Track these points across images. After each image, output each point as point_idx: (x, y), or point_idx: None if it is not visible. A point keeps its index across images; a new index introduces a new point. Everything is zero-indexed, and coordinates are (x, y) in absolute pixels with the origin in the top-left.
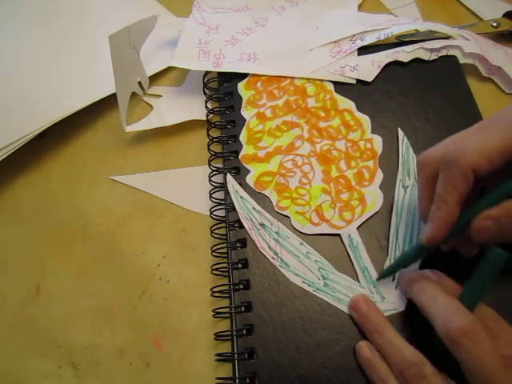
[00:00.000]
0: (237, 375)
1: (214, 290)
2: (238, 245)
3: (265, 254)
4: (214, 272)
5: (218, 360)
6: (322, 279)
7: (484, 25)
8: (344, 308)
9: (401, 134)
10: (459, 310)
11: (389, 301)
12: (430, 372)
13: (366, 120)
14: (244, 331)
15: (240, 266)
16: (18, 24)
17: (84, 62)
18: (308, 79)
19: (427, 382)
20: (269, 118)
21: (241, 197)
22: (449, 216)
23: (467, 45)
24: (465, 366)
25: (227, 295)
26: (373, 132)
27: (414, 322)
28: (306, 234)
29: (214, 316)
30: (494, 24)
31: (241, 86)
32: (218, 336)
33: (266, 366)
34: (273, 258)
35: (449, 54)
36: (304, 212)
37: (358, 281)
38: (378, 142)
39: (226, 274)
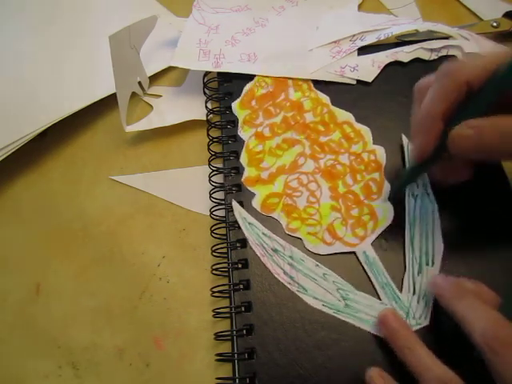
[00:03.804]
0: (237, 375)
1: (214, 289)
2: (237, 245)
3: (281, 280)
4: (214, 272)
5: (217, 360)
6: (342, 300)
7: (484, 25)
8: (368, 328)
9: (405, 140)
10: (498, 319)
11: (412, 315)
12: None
13: (366, 131)
14: (244, 331)
15: (240, 266)
16: (18, 24)
17: (84, 62)
18: (303, 94)
19: None
20: (268, 137)
21: (249, 223)
22: (436, 128)
23: (467, 45)
24: (500, 375)
25: (227, 295)
26: (374, 137)
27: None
28: (321, 255)
29: (214, 316)
30: (494, 24)
31: (235, 106)
32: (218, 336)
33: (266, 366)
34: (289, 283)
35: (449, 53)
36: (316, 232)
37: (379, 298)
38: (381, 153)
39: (226, 274)
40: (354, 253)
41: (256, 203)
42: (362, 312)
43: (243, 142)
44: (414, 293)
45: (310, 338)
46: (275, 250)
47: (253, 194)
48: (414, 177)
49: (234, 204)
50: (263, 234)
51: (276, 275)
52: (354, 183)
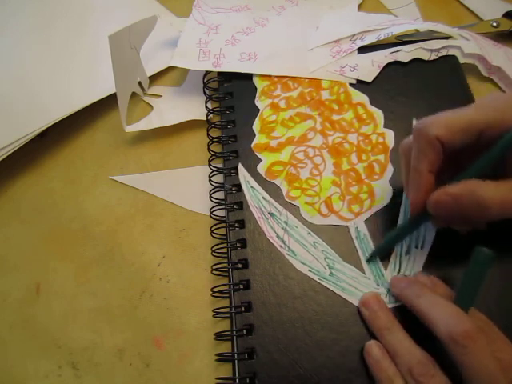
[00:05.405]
0: (237, 375)
1: (214, 290)
2: (238, 245)
3: (273, 242)
4: (214, 272)
5: (217, 360)
6: (328, 268)
7: (484, 25)
8: (348, 297)
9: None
10: (460, 314)
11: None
12: (439, 372)
13: (379, 114)
14: (244, 331)
15: (240, 266)
16: (18, 25)
17: (84, 62)
18: None
19: (435, 381)
20: (282, 109)
21: (251, 187)
22: (423, 183)
23: (467, 45)
24: (467, 368)
25: (227, 295)
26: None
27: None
28: (314, 225)
29: (214, 316)
30: (494, 24)
31: (256, 76)
32: (218, 336)
33: (266, 365)
34: (280, 246)
35: (449, 54)
36: (313, 203)
37: (364, 272)
38: (390, 137)
39: (226, 274)
40: (346, 227)
41: (261, 168)
42: (346, 282)
43: (258, 110)
44: (398, 271)
45: (310, 338)
46: (272, 214)
47: (259, 160)
48: (406, 233)
49: (240, 167)
50: (263, 198)
51: (269, 238)
52: (359, 162)
